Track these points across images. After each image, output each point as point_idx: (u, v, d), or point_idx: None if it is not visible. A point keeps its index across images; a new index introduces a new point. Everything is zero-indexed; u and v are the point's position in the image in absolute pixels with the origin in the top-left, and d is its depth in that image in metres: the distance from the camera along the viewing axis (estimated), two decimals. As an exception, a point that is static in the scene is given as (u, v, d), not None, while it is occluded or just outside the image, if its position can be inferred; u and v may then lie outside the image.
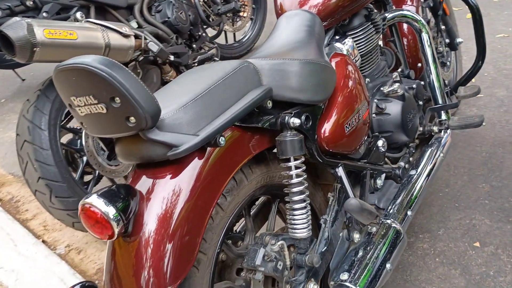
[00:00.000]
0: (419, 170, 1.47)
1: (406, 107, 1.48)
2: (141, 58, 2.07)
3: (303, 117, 1.09)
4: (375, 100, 1.49)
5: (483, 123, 1.56)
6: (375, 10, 1.56)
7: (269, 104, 1.05)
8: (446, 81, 2.02)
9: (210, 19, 2.60)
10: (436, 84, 1.66)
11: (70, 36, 1.60)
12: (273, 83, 1.07)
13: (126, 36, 1.84)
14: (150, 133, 0.85)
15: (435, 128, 1.61)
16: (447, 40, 2.03)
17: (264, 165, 1.12)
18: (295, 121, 1.04)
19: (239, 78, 1.00)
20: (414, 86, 1.57)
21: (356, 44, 1.49)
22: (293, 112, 1.08)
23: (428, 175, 1.47)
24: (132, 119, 0.81)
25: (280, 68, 1.08)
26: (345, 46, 1.44)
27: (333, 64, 1.28)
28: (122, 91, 0.77)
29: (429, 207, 1.76)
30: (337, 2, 1.37)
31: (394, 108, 1.47)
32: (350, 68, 1.30)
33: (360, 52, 1.51)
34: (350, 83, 1.26)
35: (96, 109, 0.82)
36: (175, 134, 0.88)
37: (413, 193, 1.41)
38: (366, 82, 1.53)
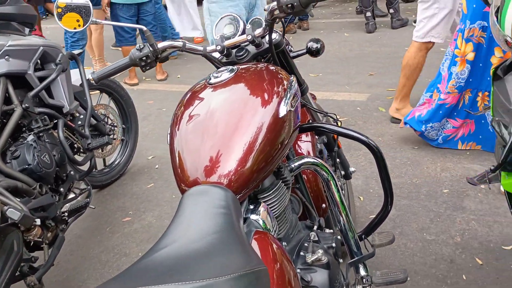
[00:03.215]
0: None
1: (333, 275, 1.32)
2: (-6, 217, 1.65)
3: None
4: (298, 270, 1.31)
5: (408, 278, 1.47)
6: (284, 164, 1.42)
7: None
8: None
9: (79, 154, 2.27)
10: (349, 234, 1.55)
11: None
12: None
13: (-25, 207, 1.44)
14: None
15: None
16: (342, 172, 1.99)
17: None
18: None
19: None
20: (333, 245, 1.44)
21: (270, 208, 1.32)
22: None
23: None
24: None
25: None
26: (261, 215, 1.25)
27: (256, 248, 1.07)
28: None
29: None
30: (252, 167, 1.18)
31: (321, 279, 1.29)
32: (276, 251, 1.10)
33: (274, 215, 1.34)
34: (282, 276, 1.06)
35: None
36: None
37: None
38: (284, 246, 1.36)
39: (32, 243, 1.95)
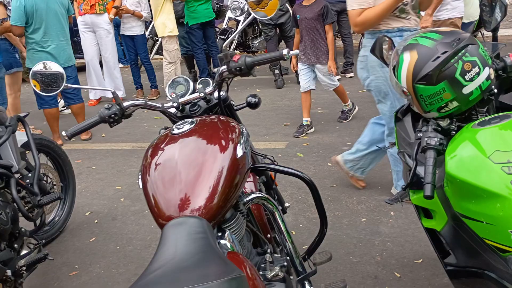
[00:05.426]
0: None
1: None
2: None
3: None
4: (262, 285, 1.55)
5: (347, 286, 1.76)
6: (241, 200, 1.67)
7: None
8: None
9: (30, 211, 2.34)
10: (294, 256, 1.82)
11: None
12: None
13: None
14: None
15: (301, 304, 1.74)
16: (280, 207, 2.29)
17: None
18: None
19: None
20: (285, 264, 1.70)
21: (233, 235, 1.56)
22: None
23: None
24: None
25: None
26: (228, 241, 1.49)
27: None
28: None
29: None
30: (218, 203, 1.43)
31: (279, 292, 1.55)
32: (248, 266, 1.35)
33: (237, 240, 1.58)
34: (257, 286, 1.29)
35: None
36: None
37: None
38: (246, 267, 1.59)
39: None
